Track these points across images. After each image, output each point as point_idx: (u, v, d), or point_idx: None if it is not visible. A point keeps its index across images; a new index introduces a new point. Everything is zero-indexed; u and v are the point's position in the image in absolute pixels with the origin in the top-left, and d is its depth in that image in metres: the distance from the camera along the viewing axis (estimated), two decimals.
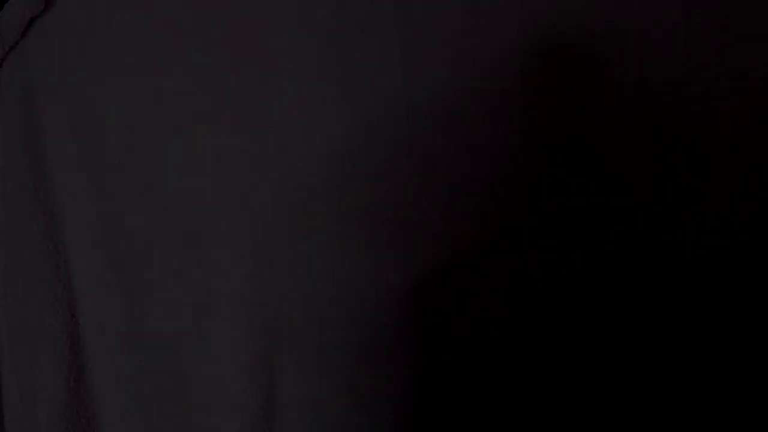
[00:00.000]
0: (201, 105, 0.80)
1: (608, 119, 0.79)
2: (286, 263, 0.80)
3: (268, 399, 0.82)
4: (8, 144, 0.82)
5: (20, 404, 0.83)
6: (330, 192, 0.80)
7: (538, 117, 0.78)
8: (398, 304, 0.81)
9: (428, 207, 0.81)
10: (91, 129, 0.81)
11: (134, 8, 0.79)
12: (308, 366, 0.82)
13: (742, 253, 0.79)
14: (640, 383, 0.76)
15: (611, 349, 0.80)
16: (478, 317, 0.82)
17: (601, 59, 0.77)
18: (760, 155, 0.77)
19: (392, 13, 0.76)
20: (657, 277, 0.81)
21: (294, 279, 0.79)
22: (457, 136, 0.78)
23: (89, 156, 0.81)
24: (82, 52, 0.80)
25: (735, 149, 0.78)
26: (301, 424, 0.82)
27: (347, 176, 0.80)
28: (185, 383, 0.79)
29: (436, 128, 0.79)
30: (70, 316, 0.83)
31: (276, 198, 0.80)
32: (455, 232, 0.82)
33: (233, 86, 0.79)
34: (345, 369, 0.82)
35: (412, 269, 0.81)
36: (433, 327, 0.82)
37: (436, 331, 0.82)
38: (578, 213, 0.81)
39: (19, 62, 0.81)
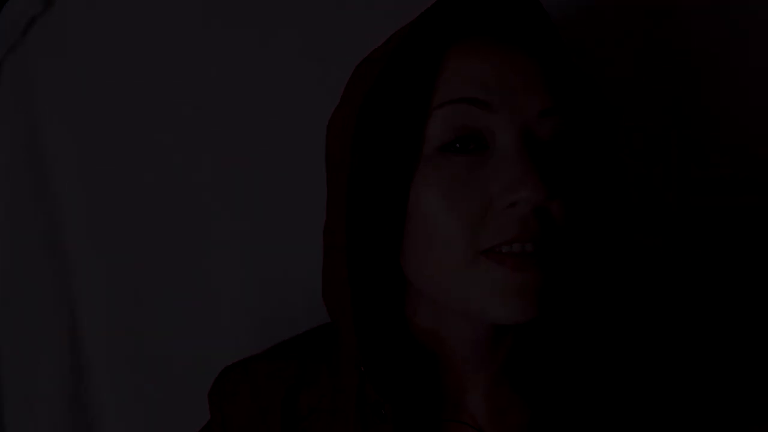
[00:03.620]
0: (202, 104, 0.80)
1: None
2: (286, 263, 0.80)
3: None
4: (8, 144, 0.82)
5: (20, 404, 0.83)
6: None
7: None
8: None
9: None
10: (91, 129, 0.81)
11: (134, 8, 0.79)
12: None
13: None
14: None
15: None
16: None
17: None
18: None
19: None
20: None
21: (294, 278, 0.79)
22: None
23: (89, 156, 0.81)
24: (82, 52, 0.80)
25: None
26: None
27: None
28: (186, 384, 0.79)
29: None
30: (70, 316, 0.83)
31: (277, 196, 0.80)
32: None
33: (234, 85, 0.79)
34: None
35: None
36: None
37: None
38: None
39: (19, 62, 0.81)
